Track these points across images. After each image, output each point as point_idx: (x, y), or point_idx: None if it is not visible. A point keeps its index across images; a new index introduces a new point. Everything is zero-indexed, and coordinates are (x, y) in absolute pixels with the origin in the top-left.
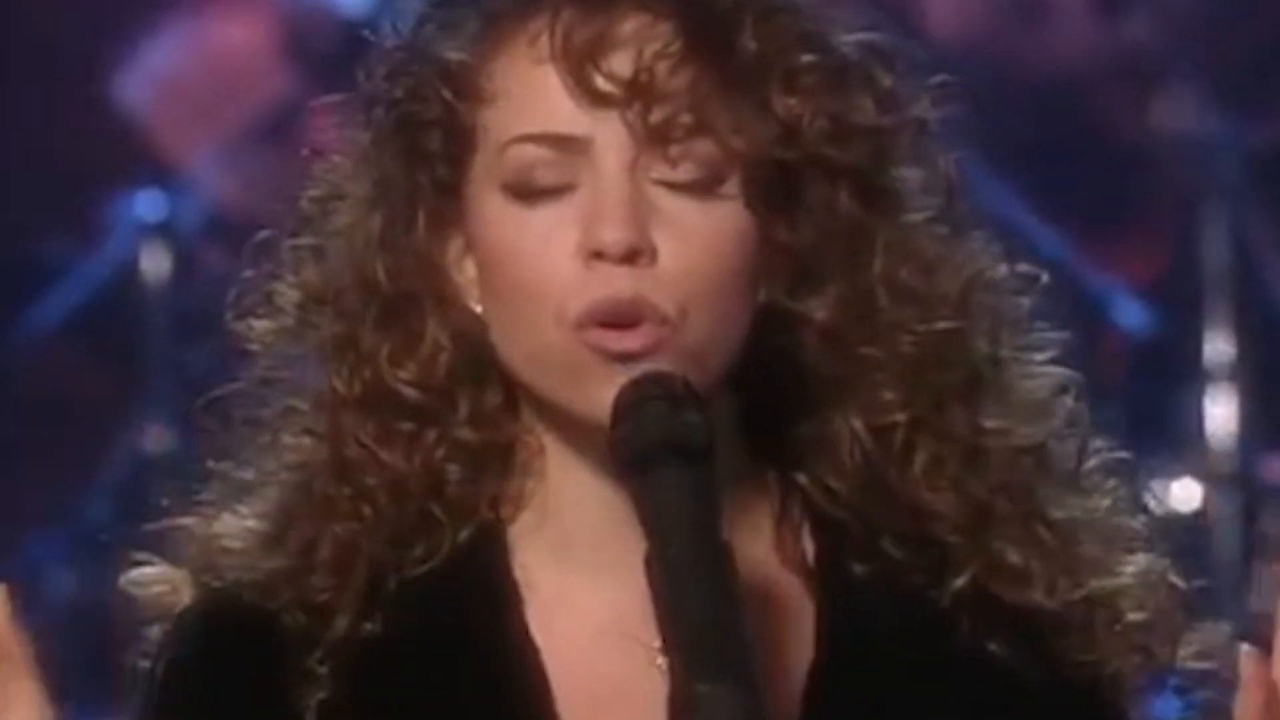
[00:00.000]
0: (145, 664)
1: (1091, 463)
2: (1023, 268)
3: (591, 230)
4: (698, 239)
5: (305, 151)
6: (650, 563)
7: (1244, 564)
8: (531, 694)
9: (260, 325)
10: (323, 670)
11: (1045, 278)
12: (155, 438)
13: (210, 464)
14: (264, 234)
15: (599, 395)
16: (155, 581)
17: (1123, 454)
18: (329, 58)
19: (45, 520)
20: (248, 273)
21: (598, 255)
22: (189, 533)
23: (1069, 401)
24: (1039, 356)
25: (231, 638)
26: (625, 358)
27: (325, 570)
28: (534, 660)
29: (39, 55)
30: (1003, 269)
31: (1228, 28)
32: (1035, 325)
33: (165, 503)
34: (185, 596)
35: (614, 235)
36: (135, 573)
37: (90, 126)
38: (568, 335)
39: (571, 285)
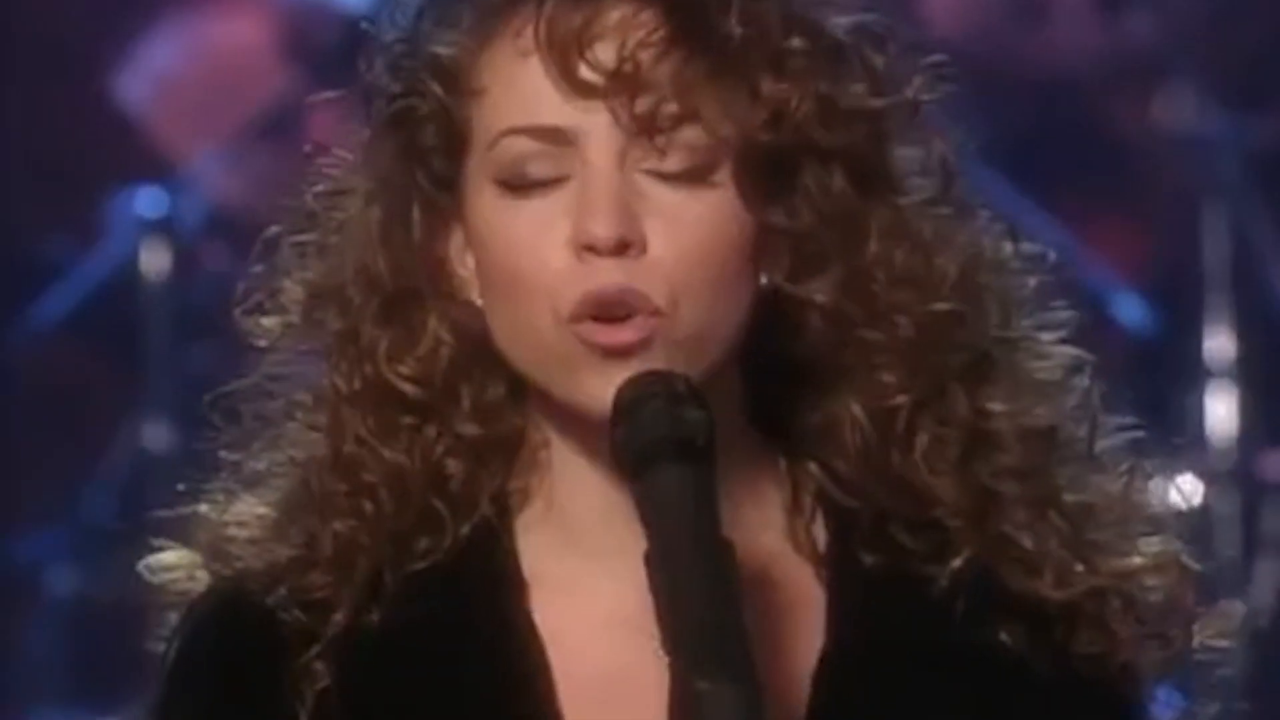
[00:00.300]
0: (161, 649)
1: (1106, 443)
2: (1028, 247)
3: (581, 223)
4: (689, 228)
5: (308, 147)
6: (650, 560)
7: (1244, 561)
8: (534, 684)
9: (267, 322)
10: (323, 664)
11: (1052, 255)
12: (156, 434)
13: (222, 454)
14: (271, 230)
15: (595, 389)
16: (172, 567)
17: (1138, 433)
18: (330, 55)
19: (46, 517)
20: (256, 268)
21: (588, 248)
22: (200, 521)
23: (1081, 381)
24: (1048, 337)
25: (237, 630)
26: (618, 352)
27: (325, 566)
28: (537, 650)
29: (41, 53)
30: (1007, 248)
31: (1228, 26)
32: (1044, 305)
33: (180, 489)
34: (200, 584)
35: (602, 229)
36: (153, 558)
37: (91, 123)
38: (562, 329)
39: (564, 278)
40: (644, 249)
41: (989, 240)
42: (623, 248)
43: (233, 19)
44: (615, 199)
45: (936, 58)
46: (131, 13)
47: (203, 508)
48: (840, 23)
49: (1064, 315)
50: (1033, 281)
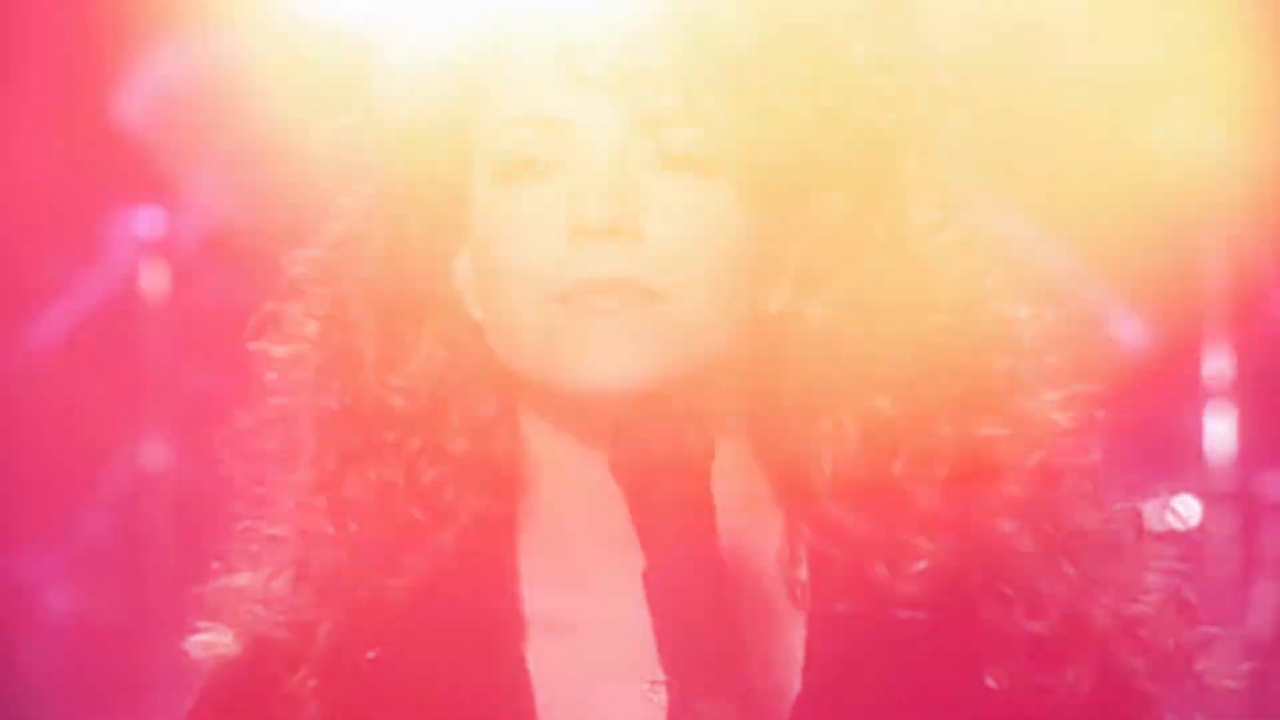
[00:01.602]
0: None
1: (1110, 484)
2: (1036, 307)
3: (575, 208)
4: (686, 216)
5: (324, 180)
6: (648, 579)
7: (1243, 582)
8: None
9: (278, 350)
10: (310, 688)
11: (1053, 314)
12: (153, 454)
13: (244, 523)
14: (265, 252)
15: (577, 355)
16: (210, 645)
17: (1154, 477)
18: (329, 75)
19: (43, 536)
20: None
21: (581, 231)
22: (224, 590)
23: (1088, 422)
24: (1058, 381)
25: (236, 693)
26: (600, 288)
27: (312, 586)
28: (524, 691)
29: (41, 71)
30: (1016, 287)
31: (1229, 44)
32: (1053, 349)
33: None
34: (231, 650)
35: (596, 211)
36: (196, 638)
37: (91, 143)
38: (550, 307)
39: (558, 263)
40: (640, 236)
41: (996, 274)
42: (614, 231)
43: (231, 39)
44: (609, 184)
45: (946, 80)
46: (133, 30)
47: (227, 581)
48: (854, 42)
49: (1077, 359)
50: (1042, 322)
